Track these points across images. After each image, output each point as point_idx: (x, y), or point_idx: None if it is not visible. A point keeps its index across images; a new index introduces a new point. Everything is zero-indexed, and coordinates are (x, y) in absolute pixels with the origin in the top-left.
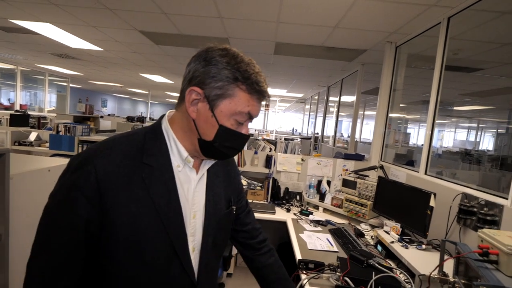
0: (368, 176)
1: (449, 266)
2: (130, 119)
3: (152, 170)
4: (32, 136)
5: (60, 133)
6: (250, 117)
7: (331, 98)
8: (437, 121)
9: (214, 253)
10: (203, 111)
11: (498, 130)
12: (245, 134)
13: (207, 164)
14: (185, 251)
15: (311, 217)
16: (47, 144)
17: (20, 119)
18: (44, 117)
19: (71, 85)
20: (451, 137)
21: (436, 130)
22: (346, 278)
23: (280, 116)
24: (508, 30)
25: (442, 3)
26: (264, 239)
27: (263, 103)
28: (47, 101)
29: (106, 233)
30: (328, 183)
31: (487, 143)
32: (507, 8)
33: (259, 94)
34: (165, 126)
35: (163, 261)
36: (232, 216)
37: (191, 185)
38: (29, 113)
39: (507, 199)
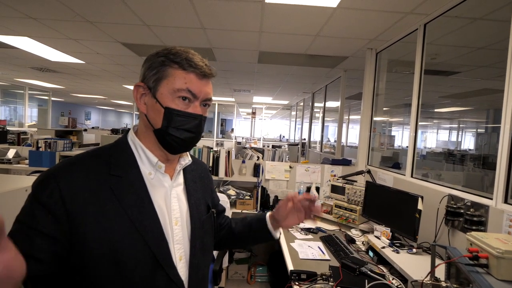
0: (356, 181)
1: (440, 269)
2: (114, 131)
3: (121, 180)
4: (11, 153)
5: (40, 149)
6: (194, 95)
7: (316, 104)
8: (420, 123)
9: (204, 259)
10: (149, 102)
11: (478, 130)
12: (194, 113)
13: (179, 167)
14: (169, 260)
15: (301, 225)
16: (27, 161)
17: None
18: (25, 132)
19: (52, 98)
20: (434, 138)
21: (419, 131)
22: None
23: (267, 123)
24: (480, 35)
25: (417, 10)
26: (230, 220)
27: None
28: (28, 116)
29: (78, 252)
30: (317, 189)
31: (468, 142)
32: (479, 15)
33: (195, 68)
34: (131, 137)
35: (146, 273)
36: (213, 220)
37: (167, 191)
38: (8, 128)
39: (492, 199)
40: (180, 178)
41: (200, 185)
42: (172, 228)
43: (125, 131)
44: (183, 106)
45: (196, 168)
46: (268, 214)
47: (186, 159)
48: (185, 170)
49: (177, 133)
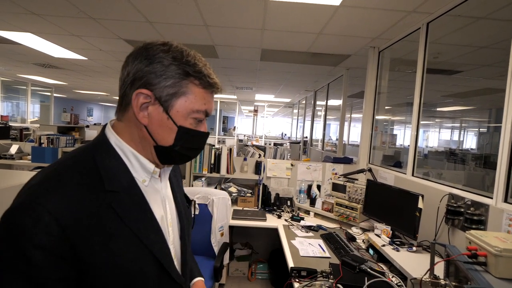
0: (357, 179)
1: (439, 267)
2: None
3: (119, 196)
4: (13, 149)
5: (43, 145)
6: (207, 114)
7: (318, 102)
8: (421, 122)
9: (190, 252)
10: (155, 115)
11: (480, 129)
12: (205, 132)
13: (167, 169)
14: (172, 264)
15: (302, 222)
16: (29, 157)
17: (0, 131)
18: (27, 128)
19: (55, 94)
20: (436, 137)
21: (421, 130)
22: (339, 285)
23: (269, 121)
24: (483, 34)
25: (420, 9)
26: None
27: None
28: (30, 112)
29: (88, 283)
30: (318, 187)
31: (470, 142)
32: (482, 14)
33: (213, 87)
34: (115, 141)
35: (155, 282)
36: (191, 211)
37: (161, 195)
38: (10, 124)
39: (492, 198)
40: (167, 178)
41: (177, 178)
42: (168, 231)
43: (101, 130)
44: (195, 125)
45: None
46: (197, 280)
47: None
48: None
49: (188, 152)
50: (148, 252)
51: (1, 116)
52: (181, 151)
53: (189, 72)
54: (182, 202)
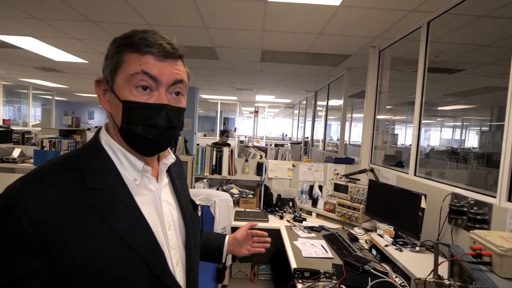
0: (359, 179)
1: (443, 267)
2: None
3: (101, 193)
4: (16, 153)
5: (45, 148)
6: (154, 78)
7: (319, 103)
8: (423, 121)
9: (197, 257)
10: (110, 98)
11: (482, 128)
12: (155, 103)
13: (164, 167)
14: (166, 270)
15: (304, 223)
16: (32, 160)
17: (2, 135)
18: (29, 132)
19: (56, 98)
20: (437, 136)
21: (422, 130)
22: (343, 286)
23: (270, 122)
24: (484, 33)
25: (421, 8)
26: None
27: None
28: (32, 115)
29: (64, 285)
30: (320, 188)
31: (472, 140)
32: (483, 12)
33: (151, 48)
34: (106, 140)
35: (144, 287)
36: (198, 216)
37: (155, 196)
38: (12, 128)
39: (495, 197)
40: (165, 178)
41: (183, 180)
42: (166, 234)
43: (96, 131)
44: (144, 97)
45: (175, 163)
46: (228, 236)
47: (169, 158)
48: (169, 167)
49: (138, 129)
50: (132, 254)
51: (3, 120)
52: (133, 129)
53: (123, 44)
54: (187, 206)
